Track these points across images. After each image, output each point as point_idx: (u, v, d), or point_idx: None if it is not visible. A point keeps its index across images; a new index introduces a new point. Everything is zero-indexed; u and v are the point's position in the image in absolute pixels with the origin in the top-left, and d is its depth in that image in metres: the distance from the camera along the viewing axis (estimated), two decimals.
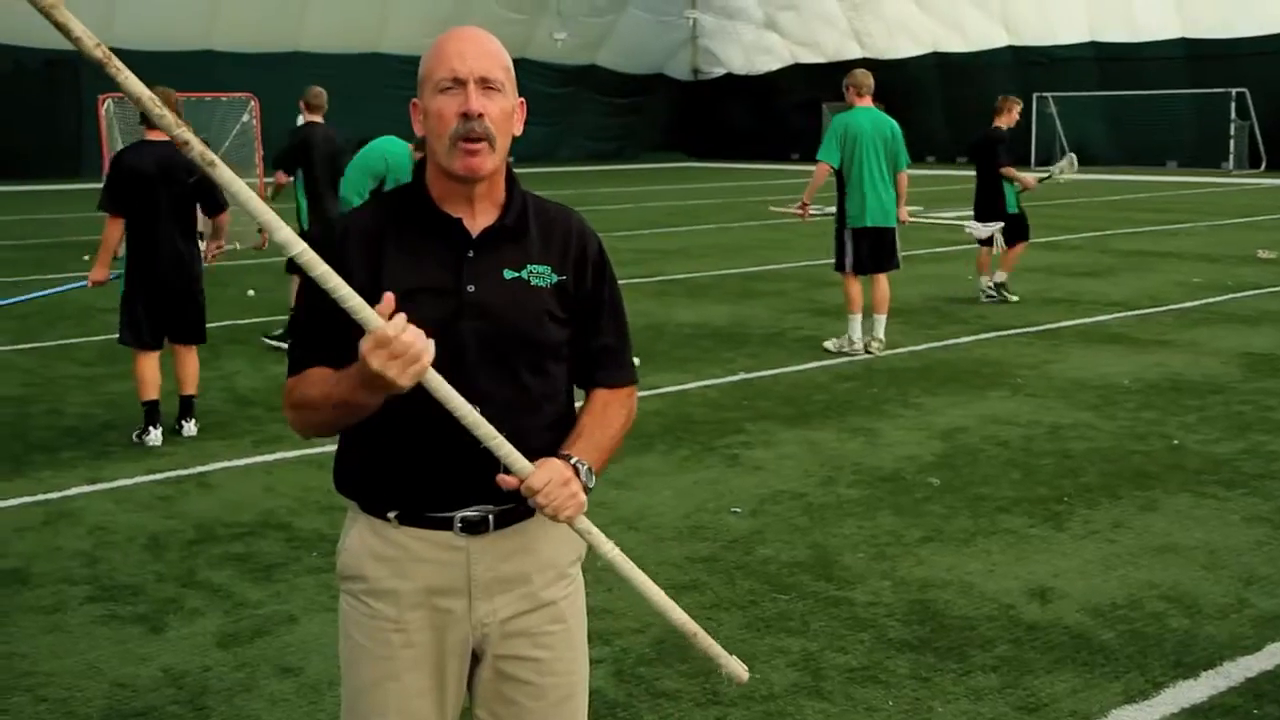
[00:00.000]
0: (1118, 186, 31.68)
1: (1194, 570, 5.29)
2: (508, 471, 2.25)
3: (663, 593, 2.46)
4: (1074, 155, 13.61)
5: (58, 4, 1.84)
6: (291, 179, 10.75)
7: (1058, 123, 41.58)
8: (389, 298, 2.07)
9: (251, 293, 13.05)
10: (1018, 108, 13.09)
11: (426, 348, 2.07)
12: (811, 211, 10.86)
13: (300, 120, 11.08)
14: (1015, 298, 12.80)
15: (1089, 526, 5.87)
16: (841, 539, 5.75)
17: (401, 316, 2.06)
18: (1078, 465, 6.88)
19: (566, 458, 2.32)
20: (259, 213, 2.06)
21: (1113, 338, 10.76)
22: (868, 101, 10.28)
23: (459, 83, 2.27)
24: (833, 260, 10.58)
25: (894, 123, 10.34)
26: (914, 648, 4.54)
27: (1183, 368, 9.44)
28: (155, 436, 7.55)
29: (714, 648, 2.54)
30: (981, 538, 5.73)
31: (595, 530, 2.36)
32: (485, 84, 2.28)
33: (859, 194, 10.12)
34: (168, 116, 1.96)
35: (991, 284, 12.80)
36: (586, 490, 2.31)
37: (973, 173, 13.50)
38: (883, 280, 10.35)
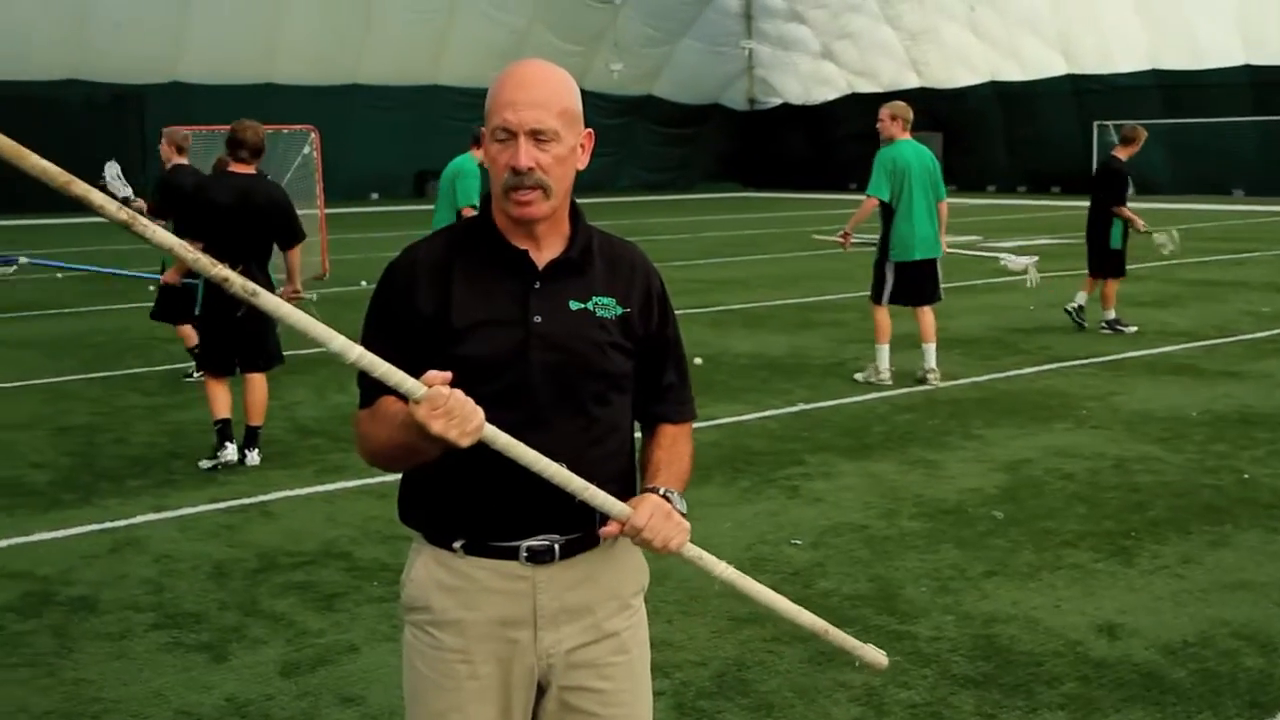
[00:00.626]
0: (1182, 215, 31.29)
1: (1268, 607, 5.18)
2: (603, 520, 2.28)
3: (785, 599, 2.46)
4: (1176, 232, 13.30)
5: (73, 180, 1.89)
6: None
7: None
8: (445, 375, 2.08)
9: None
10: (1143, 138, 12.85)
11: (477, 410, 2.09)
12: (853, 241, 10.82)
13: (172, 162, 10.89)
14: (1133, 328, 12.63)
15: (1158, 561, 5.77)
16: (904, 572, 5.69)
17: (446, 378, 2.08)
18: (1145, 499, 6.78)
19: (654, 489, 2.34)
20: (309, 328, 2.06)
21: (1180, 369, 10.62)
22: (908, 134, 10.21)
23: (510, 134, 2.27)
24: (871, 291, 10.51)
25: (931, 153, 10.34)
26: (978, 684, 4.47)
27: (1253, 399, 9.29)
28: (230, 451, 7.68)
29: (848, 641, 2.55)
30: (1047, 572, 5.65)
31: (705, 554, 2.36)
32: (536, 136, 2.27)
33: (907, 227, 10.05)
34: (202, 259, 2.01)
35: (1080, 309, 12.67)
36: (684, 517, 2.33)
37: (1031, 201, 13.34)
38: (928, 311, 10.27)
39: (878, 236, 10.36)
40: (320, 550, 6.11)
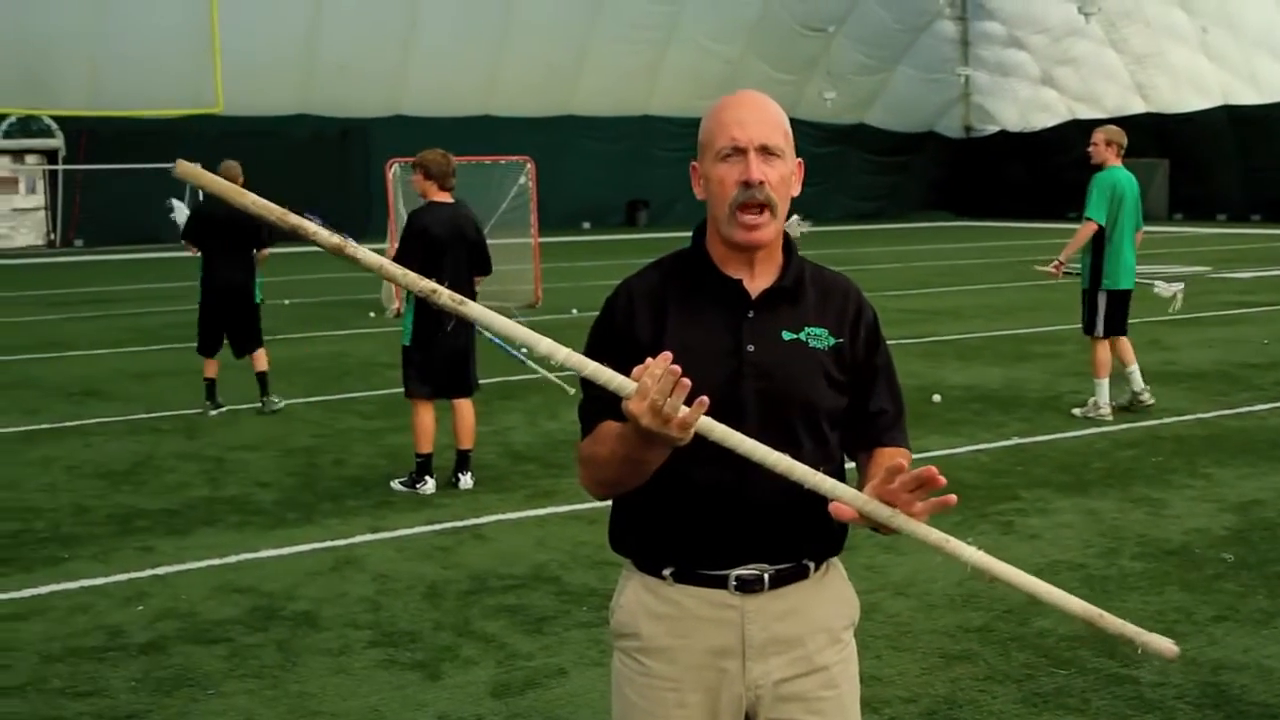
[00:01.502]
0: None
1: None
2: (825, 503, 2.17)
3: (1047, 585, 2.27)
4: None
5: (287, 213, 2.03)
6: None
7: None
8: (666, 355, 2.04)
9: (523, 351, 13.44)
10: None
11: (688, 399, 2.02)
12: (1066, 270, 10.50)
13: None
14: None
15: None
16: (1126, 614, 5.41)
17: (656, 366, 2.02)
18: None
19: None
20: (518, 334, 2.10)
21: None
22: (1120, 160, 9.97)
23: (739, 151, 2.29)
24: (1081, 324, 10.24)
25: (1137, 181, 10.16)
26: None
27: None
28: (430, 486, 7.88)
29: (1127, 628, 2.29)
30: None
31: (950, 538, 2.21)
32: (766, 151, 2.29)
33: (1118, 255, 9.86)
34: (410, 275, 2.11)
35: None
36: None
37: (1266, 230, 12.71)
38: (1124, 339, 10.08)
39: (1086, 263, 10.09)
40: (530, 574, 6.21)
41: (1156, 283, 11.60)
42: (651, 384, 2.02)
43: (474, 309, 2.12)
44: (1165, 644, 2.26)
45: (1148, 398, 9.92)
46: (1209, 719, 4.38)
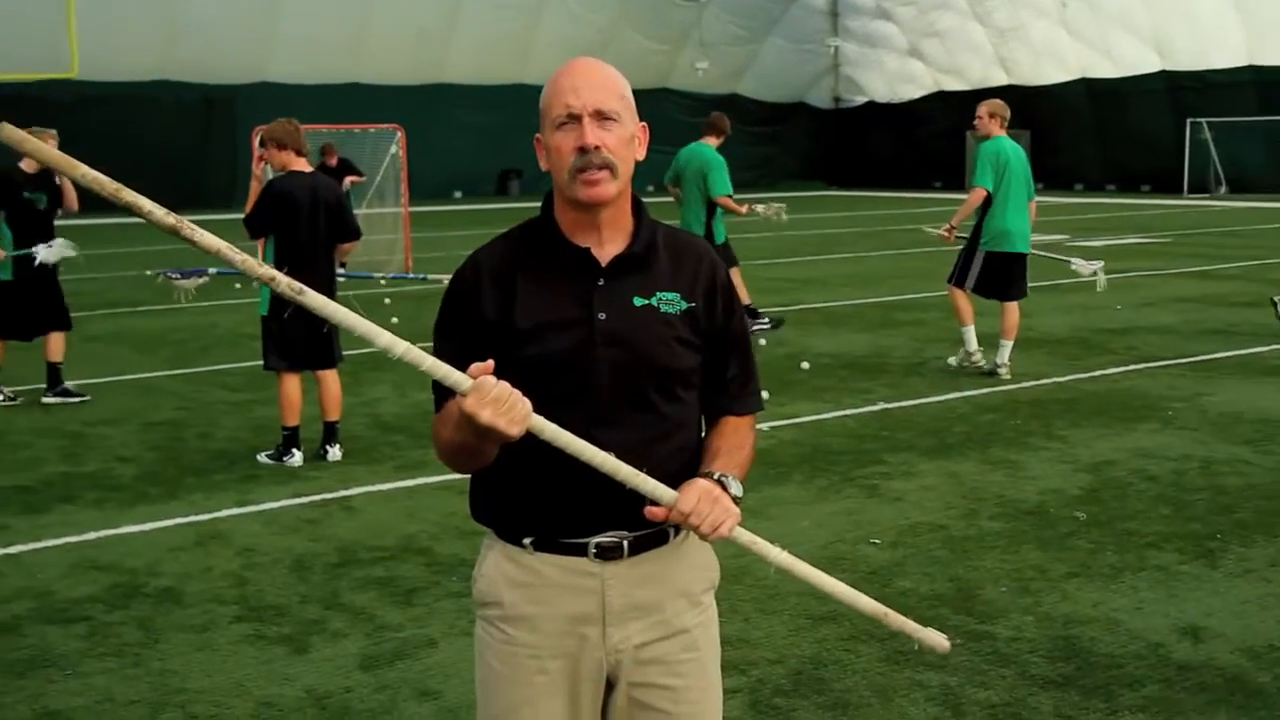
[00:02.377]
0: (1278, 214, 30.65)
1: None
2: (653, 504, 2.25)
3: (843, 584, 2.43)
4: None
5: (122, 187, 1.94)
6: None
7: (1212, 149, 40.39)
8: (488, 364, 2.11)
9: (395, 320, 13.33)
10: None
11: (524, 400, 2.11)
12: (957, 235, 10.92)
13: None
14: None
15: (1244, 565, 5.66)
16: (983, 572, 5.63)
17: (489, 368, 2.10)
18: (1232, 501, 6.65)
19: (709, 474, 2.31)
20: (356, 325, 2.10)
21: (1271, 370, 10.39)
22: (1004, 132, 10.39)
23: (574, 117, 2.30)
24: (951, 274, 10.64)
25: (1024, 152, 10.52)
26: (1058, 685, 4.41)
27: None
28: (297, 458, 7.78)
29: (907, 624, 2.50)
30: (1129, 574, 5.57)
31: (759, 539, 2.33)
32: (600, 116, 2.30)
33: (1001, 220, 10.20)
34: (248, 260, 2.07)
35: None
36: (737, 501, 2.30)
37: (1121, 200, 13.15)
38: (1014, 307, 10.36)
39: (972, 225, 10.50)
40: (400, 545, 6.18)
41: (1074, 261, 11.98)
42: (488, 389, 2.08)
43: (312, 298, 2.10)
44: (939, 639, 2.52)
45: (1004, 373, 10.18)
46: (1060, 670, 4.54)
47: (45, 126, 9.51)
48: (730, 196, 12.31)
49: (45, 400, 9.80)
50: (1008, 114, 10.43)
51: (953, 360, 10.41)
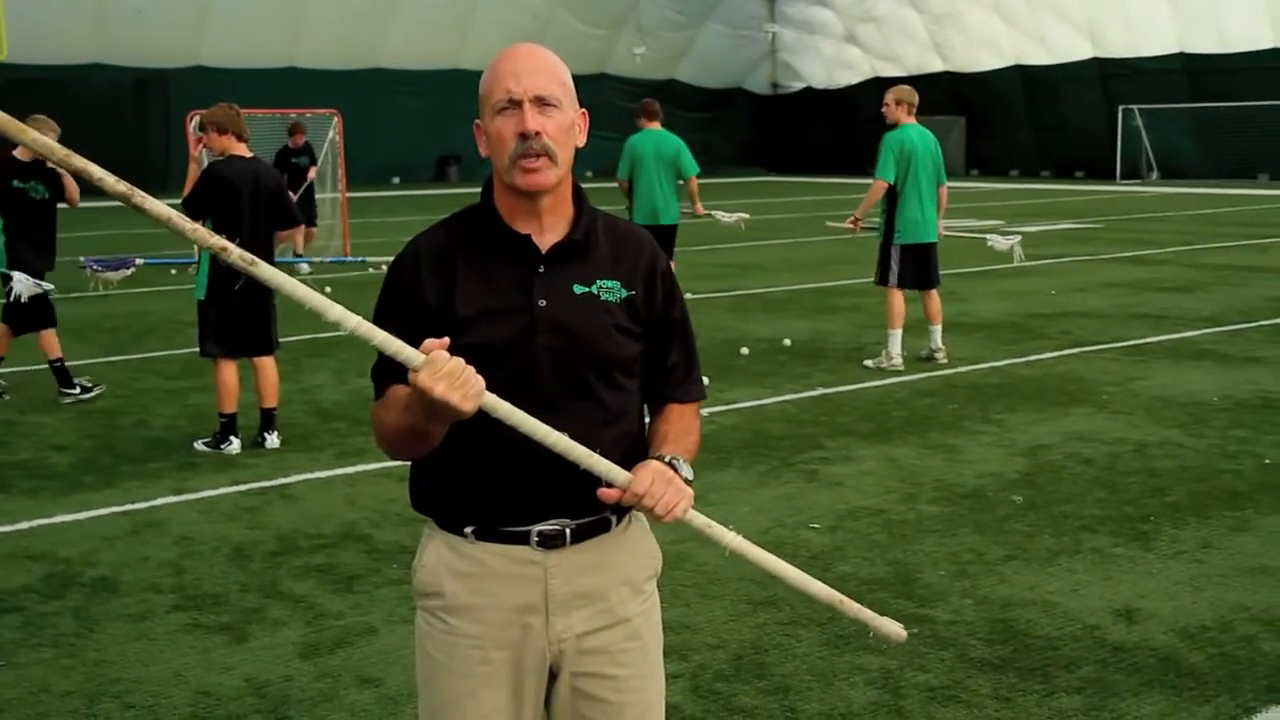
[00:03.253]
0: (1207, 200, 31.15)
1: None
2: (607, 485, 2.25)
3: (796, 570, 2.43)
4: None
5: (72, 153, 1.92)
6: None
7: (1144, 135, 40.96)
8: (443, 341, 2.10)
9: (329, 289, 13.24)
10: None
11: (477, 376, 2.10)
12: (863, 227, 11.04)
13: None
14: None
15: (1177, 546, 5.75)
16: (922, 556, 5.68)
17: (444, 344, 2.09)
18: (1165, 484, 6.76)
19: (659, 457, 2.31)
20: (306, 299, 2.08)
21: (1201, 354, 10.56)
22: (913, 118, 10.34)
23: (514, 103, 2.28)
24: (876, 275, 10.62)
25: (935, 138, 10.50)
26: (996, 667, 4.47)
27: (1275, 385, 9.23)
28: (235, 446, 7.70)
29: (863, 612, 2.51)
30: (1065, 556, 5.64)
31: (713, 523, 2.33)
32: (541, 102, 2.29)
33: (911, 211, 10.19)
34: (199, 230, 2.05)
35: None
36: (688, 484, 2.30)
37: (1055, 185, 13.33)
38: (934, 294, 10.46)
39: (881, 220, 10.46)
40: (340, 533, 6.14)
41: (990, 237, 12.09)
42: (441, 363, 2.06)
43: (264, 269, 2.07)
44: (895, 628, 2.54)
45: (941, 357, 10.32)
46: (998, 653, 4.60)
47: None
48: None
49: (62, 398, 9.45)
50: (915, 100, 10.38)
51: (870, 363, 10.26)
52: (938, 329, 10.43)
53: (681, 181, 11.82)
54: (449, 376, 2.07)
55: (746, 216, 14.07)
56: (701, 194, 12.51)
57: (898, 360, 10.15)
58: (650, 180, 11.61)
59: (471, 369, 2.09)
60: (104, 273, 11.91)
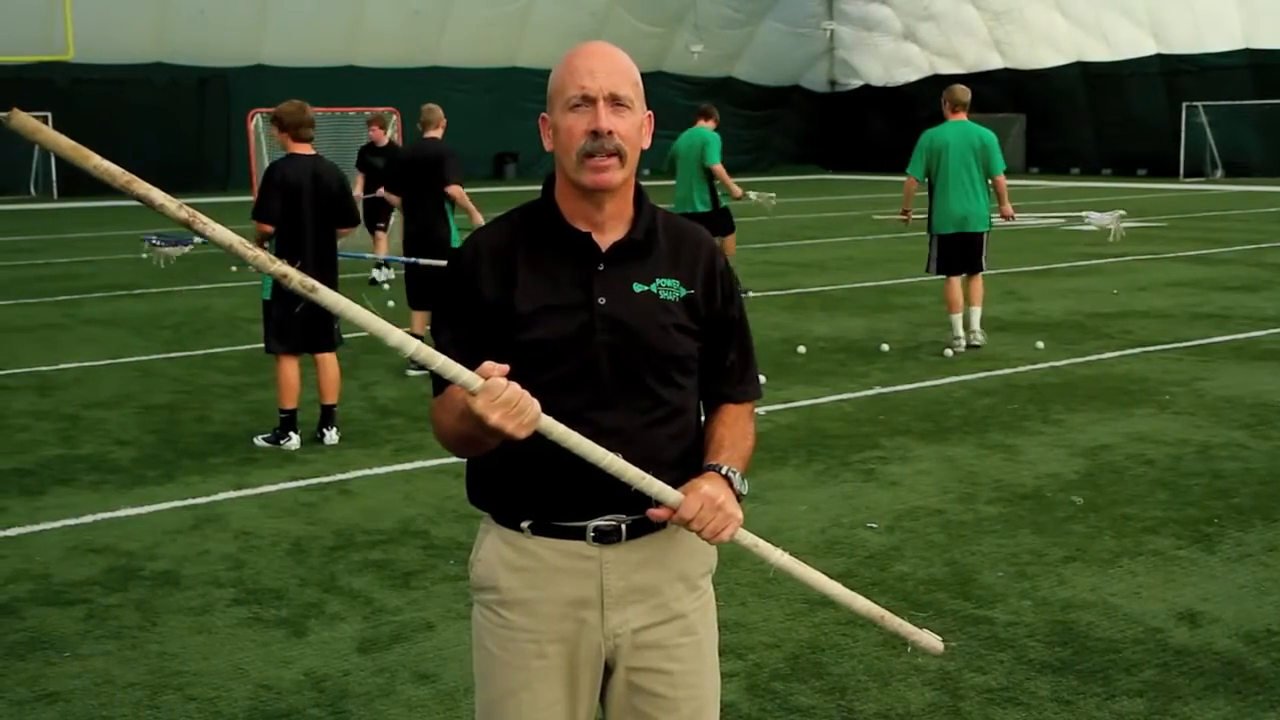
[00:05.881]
0: (1273, 198, 30.65)
1: None
2: (657, 504, 2.27)
3: (841, 586, 2.45)
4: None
5: (133, 179, 1.92)
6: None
7: (1208, 133, 40.37)
8: (503, 368, 2.09)
9: (391, 304, 13.32)
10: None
11: (533, 401, 2.10)
12: (914, 216, 11.70)
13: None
14: None
15: (1241, 549, 5.67)
16: (980, 557, 5.64)
17: (503, 370, 2.09)
18: (1229, 486, 6.66)
19: (715, 468, 2.33)
20: (368, 324, 2.07)
21: (1267, 354, 10.40)
22: (961, 115, 10.85)
23: (589, 100, 2.28)
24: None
25: (986, 132, 10.90)
26: (1056, 670, 4.42)
27: None
28: (294, 441, 7.78)
29: (904, 626, 2.53)
30: (1126, 558, 5.57)
31: (761, 541, 2.36)
32: (615, 101, 2.29)
33: (943, 203, 10.78)
34: (260, 256, 2.05)
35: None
36: (740, 497, 2.32)
37: (1117, 184, 13.31)
38: (977, 277, 10.96)
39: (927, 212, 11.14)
40: (397, 528, 6.18)
41: (1088, 215, 12.19)
42: (499, 391, 2.06)
43: (325, 294, 2.08)
44: (933, 641, 2.55)
45: (975, 339, 10.81)
46: (1058, 655, 4.55)
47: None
48: (722, 167, 13.73)
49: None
50: (960, 98, 10.87)
51: (948, 353, 10.64)
52: (977, 310, 10.93)
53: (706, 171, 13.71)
54: (505, 405, 2.07)
55: (773, 195, 15.67)
56: (757, 191, 13.67)
57: (961, 339, 10.72)
58: (683, 174, 13.87)
59: (527, 395, 2.09)
60: (163, 247, 12.09)
